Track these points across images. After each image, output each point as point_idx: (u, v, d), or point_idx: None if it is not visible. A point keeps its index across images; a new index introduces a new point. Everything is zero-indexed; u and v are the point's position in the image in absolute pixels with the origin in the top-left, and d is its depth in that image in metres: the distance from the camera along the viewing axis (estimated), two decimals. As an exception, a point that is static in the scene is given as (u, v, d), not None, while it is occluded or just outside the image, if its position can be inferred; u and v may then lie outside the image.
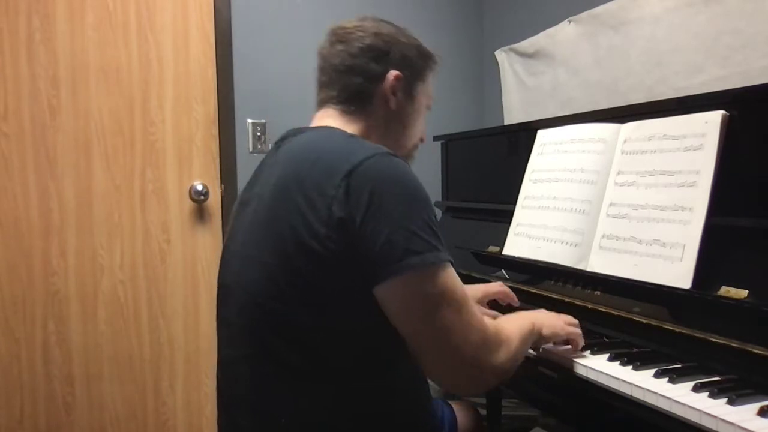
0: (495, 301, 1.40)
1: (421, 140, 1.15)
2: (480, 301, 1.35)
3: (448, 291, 0.86)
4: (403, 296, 0.84)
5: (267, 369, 0.90)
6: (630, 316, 1.12)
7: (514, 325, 0.98)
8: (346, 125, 1.03)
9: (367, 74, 1.04)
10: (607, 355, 1.04)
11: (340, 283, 0.85)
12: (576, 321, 1.12)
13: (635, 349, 1.07)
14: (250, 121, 2.30)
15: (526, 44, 2.32)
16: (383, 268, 0.83)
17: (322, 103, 1.08)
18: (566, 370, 1.05)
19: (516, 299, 1.38)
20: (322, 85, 1.08)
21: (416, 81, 1.10)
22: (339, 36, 1.06)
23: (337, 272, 0.85)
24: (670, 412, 0.85)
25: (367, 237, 0.83)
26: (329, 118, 1.05)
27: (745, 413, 0.79)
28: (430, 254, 0.84)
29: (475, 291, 1.35)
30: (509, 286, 1.40)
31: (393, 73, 1.05)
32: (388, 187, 0.85)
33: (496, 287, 1.39)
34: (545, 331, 1.05)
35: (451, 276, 0.87)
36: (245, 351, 0.93)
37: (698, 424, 0.81)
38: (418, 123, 1.12)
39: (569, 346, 1.10)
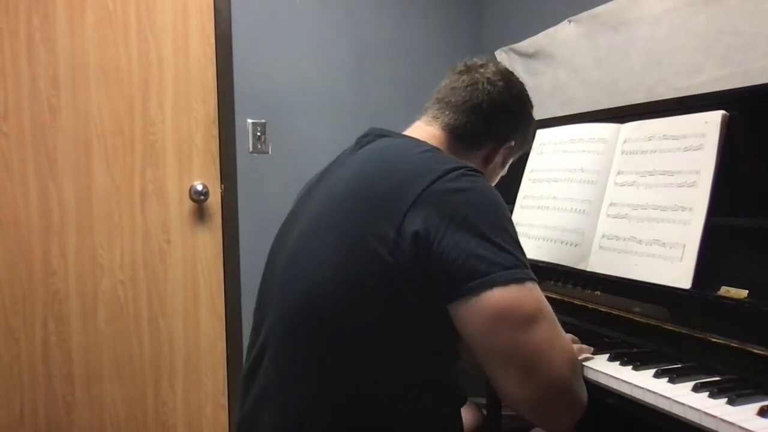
0: None
1: None
2: None
3: (541, 307, 0.79)
4: (490, 314, 0.76)
5: (300, 370, 0.85)
6: (630, 316, 1.12)
7: None
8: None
9: (496, 131, 1.05)
10: (607, 355, 1.04)
11: (405, 297, 0.80)
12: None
13: (635, 349, 1.07)
14: (250, 121, 2.30)
15: (526, 44, 2.31)
16: (464, 284, 0.76)
17: (433, 119, 1.04)
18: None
19: None
20: (446, 106, 1.04)
21: (514, 155, 1.13)
22: (495, 74, 1.04)
23: (404, 285, 0.79)
24: (670, 412, 0.85)
25: (446, 251, 0.77)
26: (429, 135, 1.00)
27: (745, 413, 0.79)
28: (519, 270, 0.77)
29: None
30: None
31: (511, 143, 1.07)
32: (468, 201, 0.80)
33: None
34: None
35: (540, 293, 0.80)
36: (283, 347, 0.87)
37: (698, 424, 0.81)
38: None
39: None
